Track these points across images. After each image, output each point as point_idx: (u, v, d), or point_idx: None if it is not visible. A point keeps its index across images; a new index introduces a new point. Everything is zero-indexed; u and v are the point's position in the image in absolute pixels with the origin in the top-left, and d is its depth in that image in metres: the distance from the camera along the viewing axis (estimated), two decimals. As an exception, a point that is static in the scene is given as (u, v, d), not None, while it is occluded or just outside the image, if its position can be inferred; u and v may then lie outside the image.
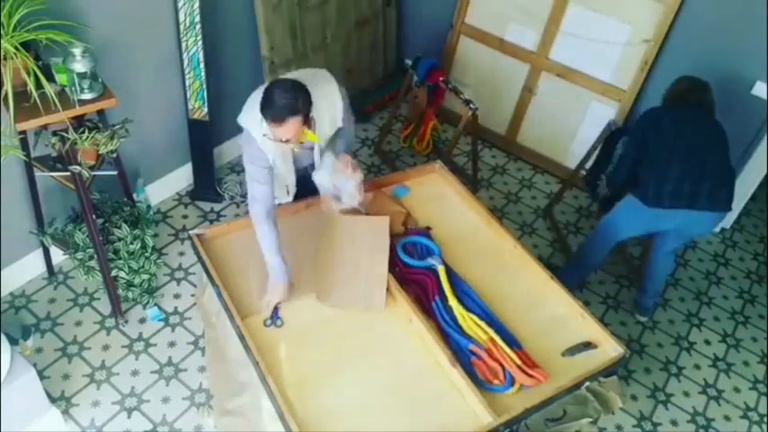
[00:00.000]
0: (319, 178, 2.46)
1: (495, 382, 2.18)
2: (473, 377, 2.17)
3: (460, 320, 2.32)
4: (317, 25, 3.77)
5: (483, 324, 2.31)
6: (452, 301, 2.36)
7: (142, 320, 3.08)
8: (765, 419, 3.10)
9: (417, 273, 2.46)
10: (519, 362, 2.20)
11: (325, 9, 3.77)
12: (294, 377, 2.12)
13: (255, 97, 2.30)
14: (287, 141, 2.23)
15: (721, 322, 3.52)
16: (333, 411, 2.03)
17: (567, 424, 2.27)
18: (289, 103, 2.14)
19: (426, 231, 2.65)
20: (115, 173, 2.79)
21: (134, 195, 3.16)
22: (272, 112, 2.15)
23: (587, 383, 2.23)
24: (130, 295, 3.01)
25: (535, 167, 4.21)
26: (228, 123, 3.74)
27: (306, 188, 2.63)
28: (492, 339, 2.27)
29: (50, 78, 2.41)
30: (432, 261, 2.48)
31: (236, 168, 3.88)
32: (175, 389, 2.86)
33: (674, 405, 3.10)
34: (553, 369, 2.23)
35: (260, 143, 2.31)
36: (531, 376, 2.19)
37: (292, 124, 2.17)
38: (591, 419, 2.26)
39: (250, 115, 2.30)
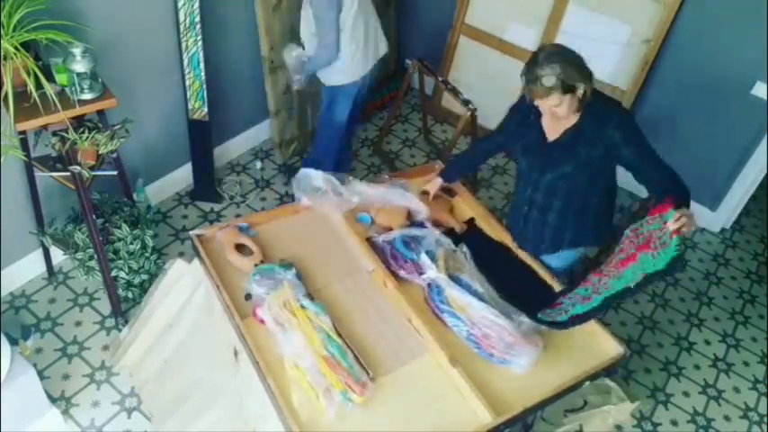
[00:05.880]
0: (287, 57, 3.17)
1: (498, 354, 2.19)
2: (482, 353, 2.20)
3: (452, 303, 2.31)
4: (317, 25, 3.77)
5: (472, 302, 2.30)
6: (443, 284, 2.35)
7: (142, 320, 3.08)
8: (765, 419, 3.10)
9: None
10: (511, 329, 2.21)
11: (325, 9, 3.76)
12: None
13: None
14: None
15: (721, 322, 3.52)
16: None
17: (588, 412, 2.26)
18: None
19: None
20: (115, 173, 2.79)
21: (134, 195, 3.16)
22: None
23: (587, 383, 2.23)
24: (130, 295, 3.01)
25: (535, 167, 4.21)
26: (229, 123, 3.77)
27: None
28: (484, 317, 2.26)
29: (50, 78, 2.41)
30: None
31: (236, 168, 3.88)
32: (175, 389, 2.85)
33: (674, 405, 3.10)
34: (553, 369, 2.24)
35: None
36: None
37: None
38: (613, 406, 2.25)
39: None
